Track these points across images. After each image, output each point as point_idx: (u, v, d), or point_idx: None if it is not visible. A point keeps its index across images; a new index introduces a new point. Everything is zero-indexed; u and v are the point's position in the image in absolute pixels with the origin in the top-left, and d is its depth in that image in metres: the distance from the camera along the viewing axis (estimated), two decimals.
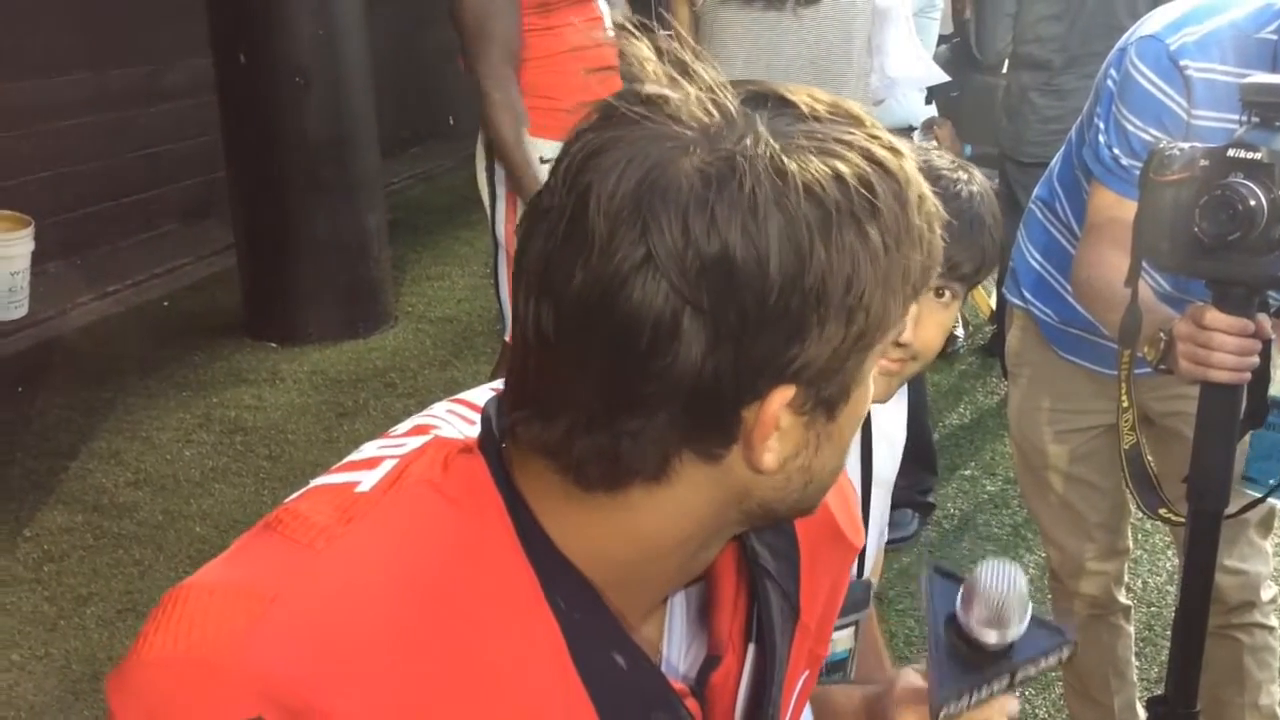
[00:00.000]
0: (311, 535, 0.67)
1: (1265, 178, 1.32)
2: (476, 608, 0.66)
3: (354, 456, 0.74)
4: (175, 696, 0.64)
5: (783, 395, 0.64)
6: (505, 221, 2.58)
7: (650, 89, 0.64)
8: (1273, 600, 2.07)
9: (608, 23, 2.64)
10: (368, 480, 0.70)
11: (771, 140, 0.62)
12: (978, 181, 1.32)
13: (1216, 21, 1.67)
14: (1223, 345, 1.39)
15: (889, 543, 3.10)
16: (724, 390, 0.63)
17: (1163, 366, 1.50)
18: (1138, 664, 2.37)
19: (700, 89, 0.64)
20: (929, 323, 1.28)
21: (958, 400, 4.13)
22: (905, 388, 1.50)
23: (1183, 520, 1.56)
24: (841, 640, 1.50)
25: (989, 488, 3.54)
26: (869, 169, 0.63)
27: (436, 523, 0.68)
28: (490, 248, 2.67)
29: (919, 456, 3.29)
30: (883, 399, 1.35)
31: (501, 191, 2.57)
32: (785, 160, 0.61)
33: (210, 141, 4.78)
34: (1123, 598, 2.19)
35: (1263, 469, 1.69)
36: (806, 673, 0.87)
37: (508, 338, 2.69)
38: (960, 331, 4.54)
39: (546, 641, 0.68)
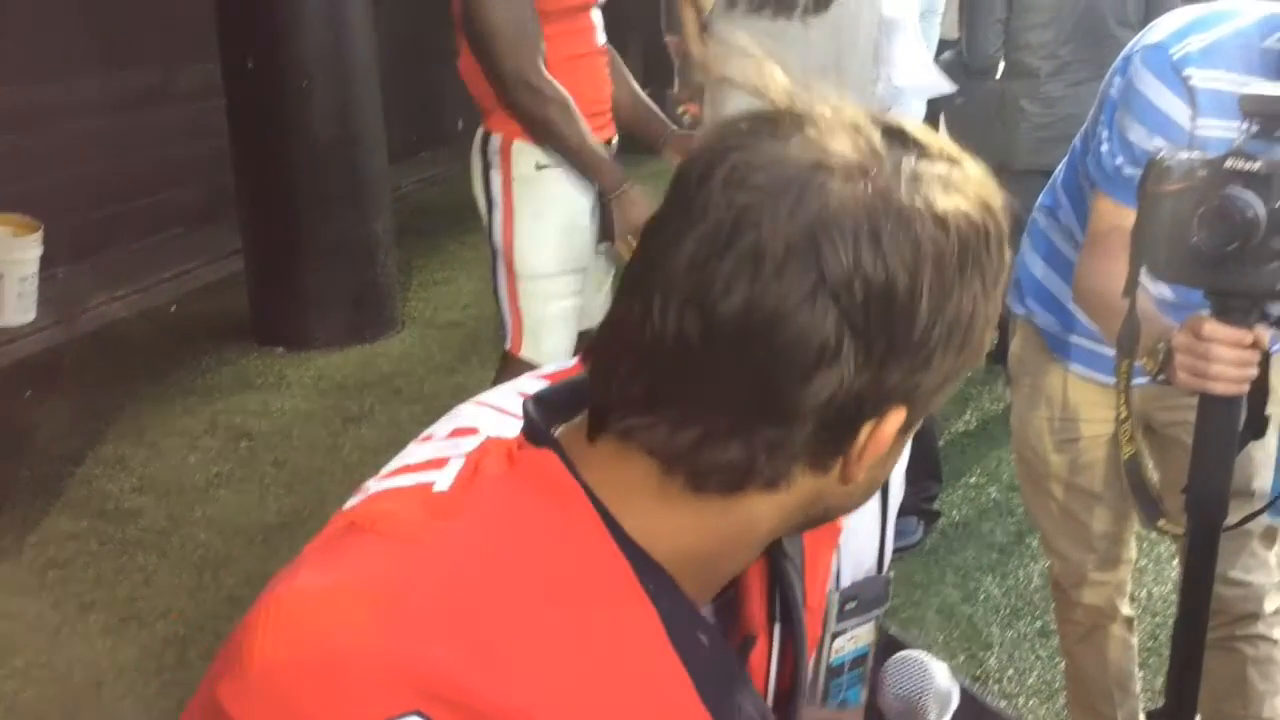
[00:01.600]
0: (413, 530, 0.67)
1: (1264, 188, 1.30)
2: (588, 590, 0.68)
3: (406, 460, 0.75)
4: (314, 701, 0.62)
5: (898, 416, 0.69)
6: (503, 228, 2.57)
7: (795, 103, 0.69)
8: (1277, 612, 2.04)
9: (600, 33, 2.63)
10: (442, 479, 0.70)
11: (909, 172, 0.66)
12: None
13: (1221, 30, 1.66)
14: (1221, 356, 1.38)
15: (894, 550, 3.11)
16: (860, 410, 0.67)
17: (1161, 377, 1.49)
18: (1142, 674, 2.35)
19: (833, 108, 0.69)
20: None
21: (963, 407, 4.12)
22: None
23: (1181, 533, 1.54)
24: (863, 636, 1.49)
25: (994, 495, 3.53)
26: (983, 210, 0.68)
27: (531, 513, 0.69)
28: (489, 255, 2.67)
29: (924, 463, 3.28)
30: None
31: (499, 198, 2.56)
32: (929, 195, 0.66)
33: (219, 146, 4.79)
34: (1126, 608, 2.18)
35: None
36: (810, 653, 0.91)
37: (508, 346, 2.69)
38: None
39: (646, 622, 0.69)
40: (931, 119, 4.74)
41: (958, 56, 4.13)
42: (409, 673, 0.62)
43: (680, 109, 4.42)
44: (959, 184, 0.67)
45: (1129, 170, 1.67)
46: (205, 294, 5.30)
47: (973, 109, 4.41)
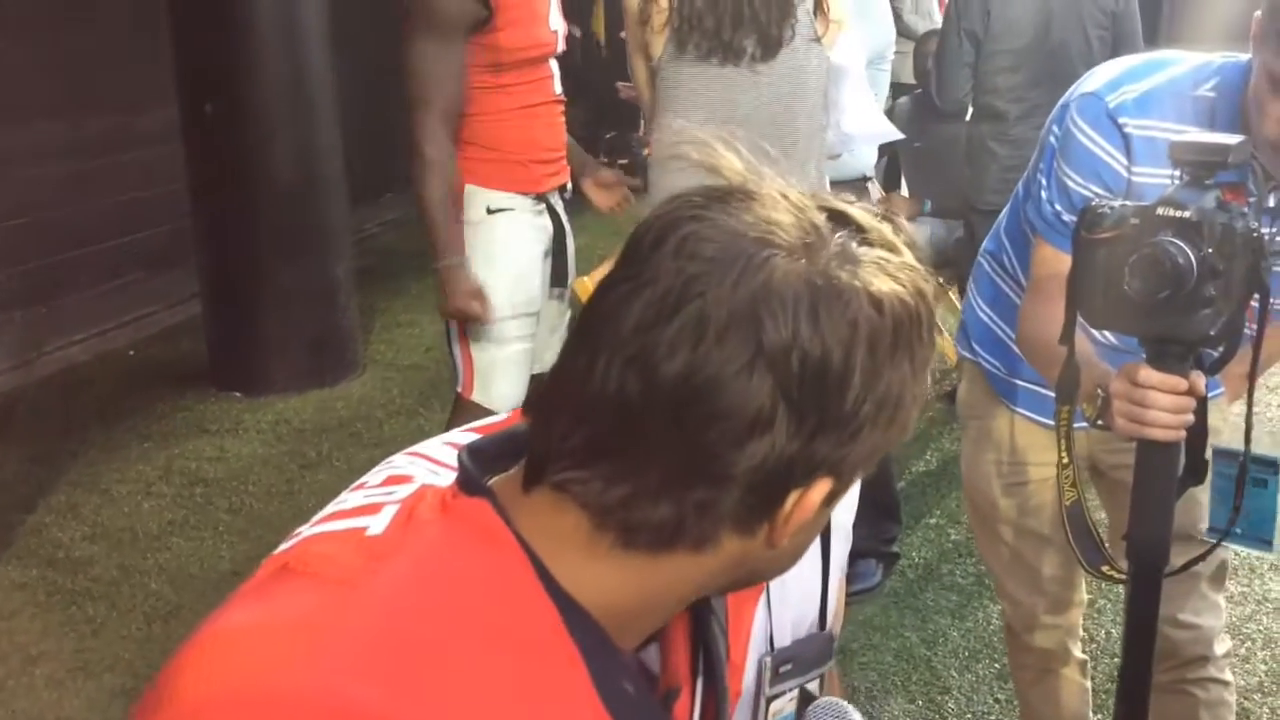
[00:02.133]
0: (347, 572, 0.68)
1: (1194, 236, 1.31)
2: (517, 637, 0.69)
3: (339, 507, 0.76)
4: None
5: (824, 486, 0.72)
6: None
7: (741, 180, 0.73)
8: (1227, 654, 2.05)
9: (556, 84, 2.65)
10: (375, 525, 0.72)
11: (848, 254, 0.70)
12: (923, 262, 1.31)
13: (1156, 79, 1.68)
14: (1157, 403, 1.39)
15: (853, 594, 3.11)
16: (788, 478, 0.70)
17: (1101, 423, 1.49)
18: (1099, 717, 2.35)
19: (783, 189, 0.72)
20: None
21: (924, 448, 4.13)
22: None
23: (1124, 578, 1.54)
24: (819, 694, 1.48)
25: (954, 536, 3.53)
26: (917, 296, 0.72)
27: (464, 558, 0.70)
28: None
29: (882, 505, 3.28)
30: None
31: None
32: (873, 284, 0.70)
33: (178, 190, 4.76)
34: (1078, 652, 2.17)
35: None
36: (731, 709, 0.90)
37: (460, 389, 2.67)
38: None
39: (574, 669, 0.70)
40: (891, 163, 4.81)
41: (922, 100, 4.19)
42: (338, 712, 0.62)
43: (645, 150, 4.44)
44: (895, 269, 0.71)
45: (1068, 217, 1.69)
46: (163, 338, 5.25)
47: (937, 150, 4.47)
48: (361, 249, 5.69)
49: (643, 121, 4.97)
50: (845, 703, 0.91)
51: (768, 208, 0.70)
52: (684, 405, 0.67)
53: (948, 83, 3.83)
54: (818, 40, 2.55)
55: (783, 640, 1.36)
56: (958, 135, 4.01)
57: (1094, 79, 1.71)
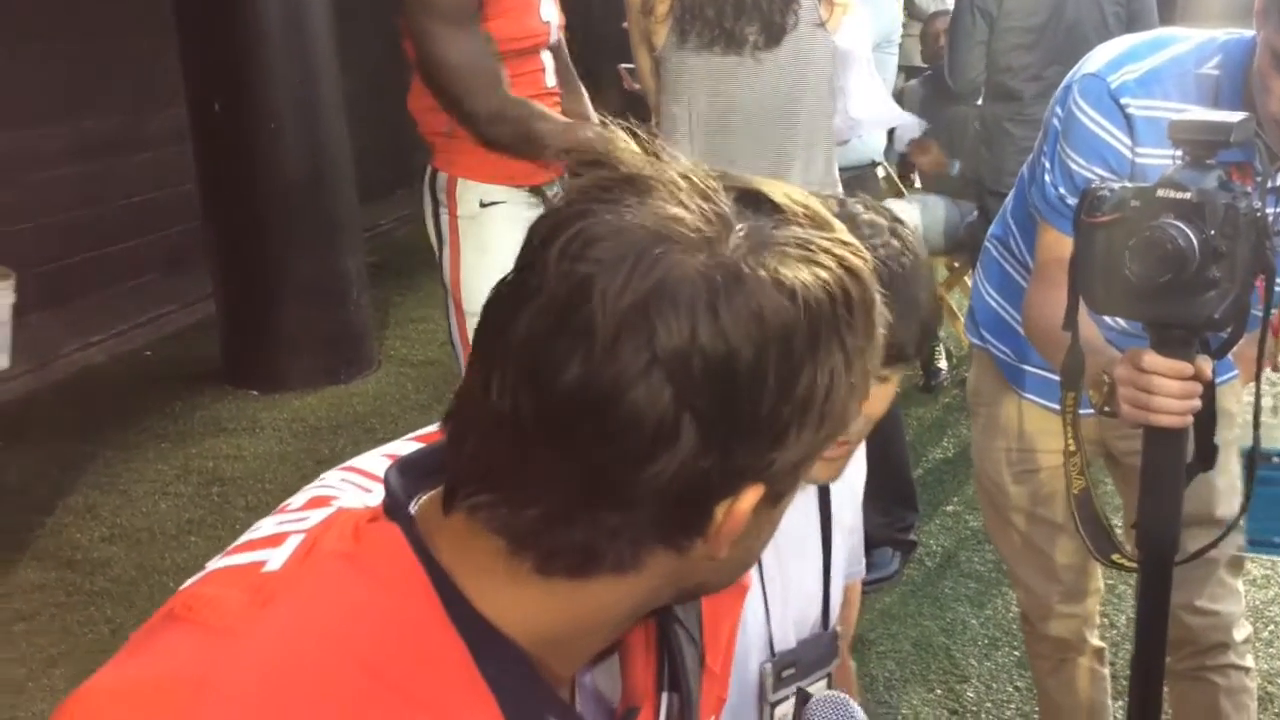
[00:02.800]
0: (228, 620, 0.65)
1: (1196, 218, 1.28)
2: (410, 681, 0.65)
3: (251, 535, 0.72)
4: None
5: (755, 494, 0.66)
6: (451, 266, 2.56)
7: (634, 169, 0.65)
8: (1247, 640, 2.02)
9: (549, 76, 2.62)
10: (275, 558, 0.68)
11: (769, 250, 0.63)
12: (909, 247, 1.24)
13: (1158, 58, 1.65)
14: (1163, 389, 1.36)
15: (870, 582, 3.09)
16: (708, 490, 0.64)
17: (1107, 410, 1.47)
18: (1119, 704, 2.32)
19: (684, 173, 0.65)
20: (874, 402, 1.22)
21: (940, 434, 4.09)
22: None
23: (1135, 567, 1.52)
24: (819, 691, 1.46)
25: (972, 523, 3.50)
26: (846, 277, 0.65)
27: (357, 597, 0.66)
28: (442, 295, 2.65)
29: (898, 493, 3.25)
30: (832, 480, 1.31)
31: (447, 235, 2.55)
32: (785, 273, 0.63)
33: (191, 190, 4.78)
34: (1095, 640, 2.15)
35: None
36: (714, 718, 0.88)
37: None
38: (943, 364, 4.51)
39: (482, 709, 0.66)
40: (920, 143, 4.75)
41: (933, 81, 4.14)
42: None
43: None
44: (819, 251, 0.64)
45: (1071, 200, 1.65)
46: (178, 339, 5.27)
47: (948, 133, 4.42)
48: (374, 245, 5.69)
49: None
50: (846, 696, 0.89)
51: (665, 198, 0.63)
52: (579, 422, 0.61)
53: (961, 63, 3.78)
54: (822, 25, 2.52)
55: (785, 643, 1.35)
56: (969, 117, 3.96)
57: (1095, 59, 1.68)
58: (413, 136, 2.66)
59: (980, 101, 3.93)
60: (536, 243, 0.64)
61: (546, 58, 2.59)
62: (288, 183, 4.45)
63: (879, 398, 1.23)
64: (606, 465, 0.62)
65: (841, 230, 0.68)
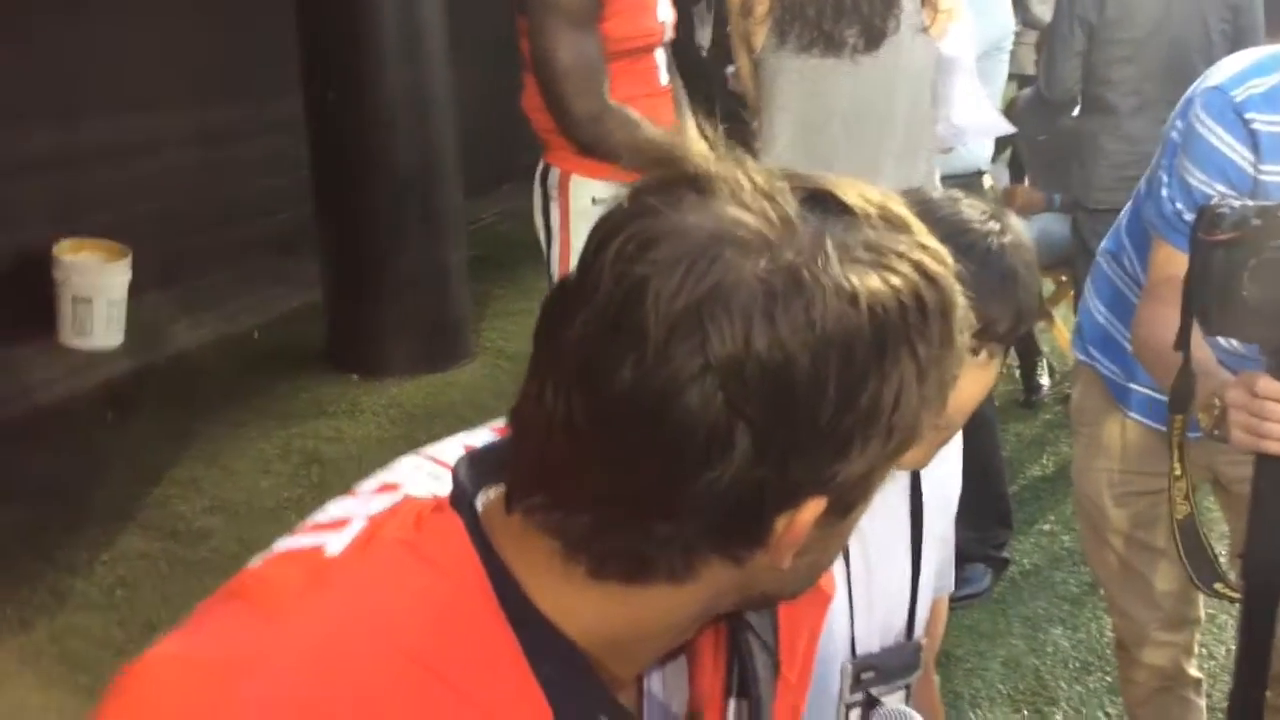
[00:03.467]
0: (280, 602, 0.65)
1: None
2: (458, 674, 0.64)
3: (319, 517, 0.72)
4: None
5: (816, 506, 0.63)
6: (560, 261, 2.58)
7: (700, 168, 0.63)
8: None
9: (662, 73, 2.63)
10: (336, 543, 0.68)
11: (834, 254, 0.60)
12: (1012, 231, 1.25)
13: None
14: (1276, 415, 1.31)
15: (959, 598, 3.04)
16: (764, 502, 0.62)
17: (1217, 434, 1.42)
18: None
19: (750, 174, 0.63)
20: (967, 385, 1.21)
21: (1040, 451, 4.01)
22: (960, 439, 1.44)
23: (1238, 597, 1.47)
24: (891, 704, 1.45)
25: (1067, 543, 3.42)
26: (921, 283, 0.62)
27: (412, 586, 0.66)
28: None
29: (993, 509, 3.19)
30: (921, 466, 1.29)
31: (557, 231, 2.57)
32: (848, 277, 0.60)
33: (304, 178, 4.90)
34: (1193, 670, 2.09)
35: None
36: None
37: None
38: (1045, 380, 4.41)
39: (531, 708, 0.66)
40: (1015, 156, 4.66)
41: (1037, 92, 4.06)
42: None
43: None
44: (891, 255, 0.62)
45: (1189, 216, 1.61)
46: (286, 321, 5.40)
47: (1061, 144, 4.32)
48: (477, 238, 5.76)
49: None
50: (912, 712, 0.87)
51: (727, 199, 0.61)
52: (631, 427, 0.60)
53: (1056, 73, 3.69)
54: (925, 31, 2.49)
55: (869, 647, 1.34)
56: (1068, 129, 3.87)
57: (1219, 72, 1.63)
58: (520, 132, 2.69)
59: (1075, 114, 3.84)
60: (594, 244, 0.62)
61: (660, 56, 2.60)
62: (396, 175, 4.53)
63: (976, 384, 1.22)
64: (657, 472, 0.60)
65: (921, 233, 0.65)
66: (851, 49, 2.45)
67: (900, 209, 0.65)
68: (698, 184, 0.62)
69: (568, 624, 0.67)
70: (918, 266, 0.62)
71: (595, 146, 2.44)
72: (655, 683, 0.76)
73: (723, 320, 0.58)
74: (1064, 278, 4.61)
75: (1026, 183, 4.76)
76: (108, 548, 3.41)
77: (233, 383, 4.65)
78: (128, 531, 3.51)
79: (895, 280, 0.61)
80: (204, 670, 0.62)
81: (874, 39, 2.45)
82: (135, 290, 4.96)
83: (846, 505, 0.66)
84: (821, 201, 0.63)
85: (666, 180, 0.63)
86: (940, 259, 0.64)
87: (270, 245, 5.90)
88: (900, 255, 0.62)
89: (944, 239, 1.16)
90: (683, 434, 0.59)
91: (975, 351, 1.21)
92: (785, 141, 2.52)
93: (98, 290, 4.77)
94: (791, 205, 0.62)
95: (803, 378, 0.59)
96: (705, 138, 0.65)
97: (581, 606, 0.67)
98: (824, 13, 2.44)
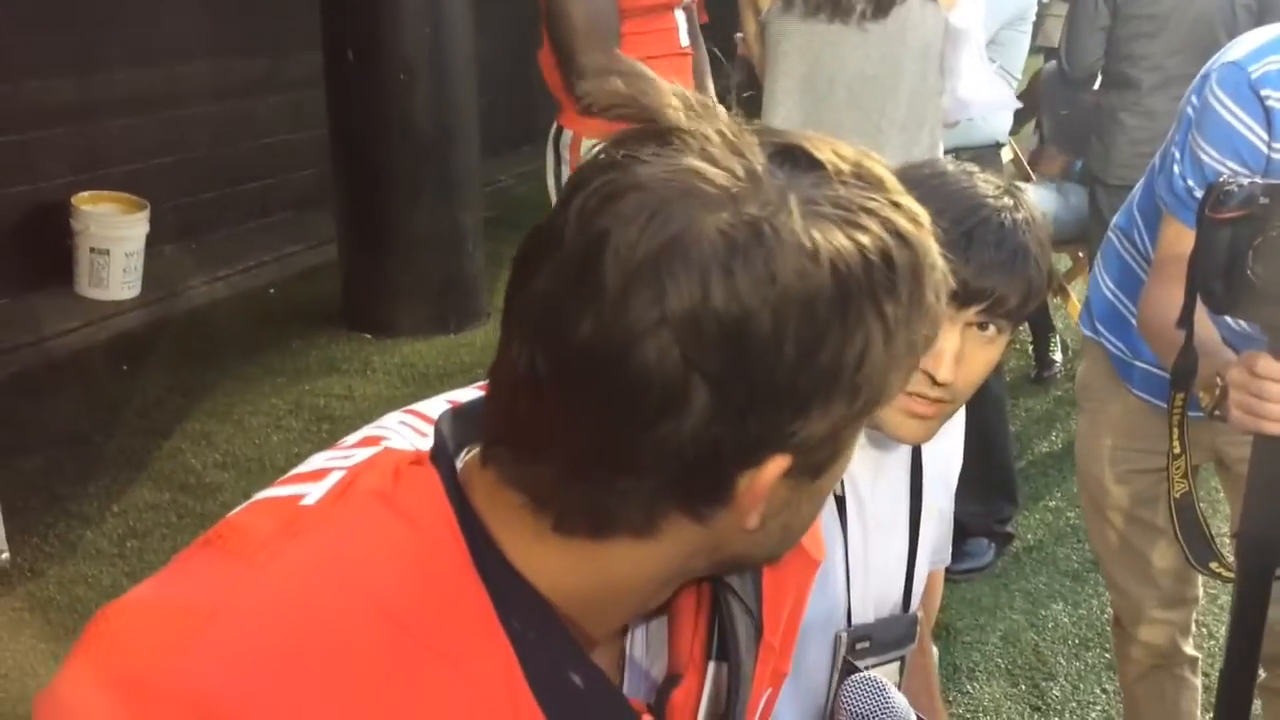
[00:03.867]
0: (252, 549, 0.66)
1: None
2: (425, 626, 0.65)
3: (301, 468, 0.73)
4: (103, 717, 0.62)
5: (779, 465, 0.63)
6: None
7: (669, 121, 0.62)
8: None
9: (682, 35, 2.61)
10: (314, 493, 0.68)
11: (798, 209, 0.60)
12: (1025, 207, 1.24)
13: None
14: (1276, 395, 1.31)
15: (961, 571, 3.05)
16: (723, 458, 0.62)
17: (1217, 413, 1.42)
18: (1208, 717, 2.25)
19: (722, 128, 0.62)
20: (973, 360, 1.20)
21: (1049, 427, 4.00)
22: (963, 414, 1.44)
23: (1233, 576, 1.47)
24: (884, 676, 1.46)
25: (1072, 520, 3.42)
26: (890, 241, 0.61)
27: (384, 537, 0.66)
28: None
29: (998, 484, 3.19)
30: (923, 440, 1.29)
31: None
32: (812, 233, 0.59)
33: (323, 134, 4.90)
34: (1189, 649, 2.09)
35: None
36: (769, 690, 0.86)
37: None
38: (1058, 356, 4.39)
39: (499, 661, 0.66)
40: (1041, 151, 4.60)
41: (1060, 66, 4.02)
42: (195, 698, 0.60)
43: None
44: (860, 212, 0.61)
45: (1199, 193, 1.59)
46: (302, 278, 5.42)
47: (1084, 117, 4.28)
48: (492, 199, 5.75)
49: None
50: (884, 680, 0.87)
51: (695, 152, 0.60)
52: (590, 379, 0.60)
53: (1079, 48, 3.66)
54: (934, 1, 2.46)
55: (863, 617, 1.34)
56: (1089, 103, 3.83)
57: (1238, 48, 1.61)
58: (540, 95, 2.68)
59: (1096, 88, 3.81)
60: (563, 198, 0.62)
61: (680, 16, 2.59)
62: (414, 135, 4.52)
63: (982, 359, 1.21)
64: (615, 425, 0.60)
65: (897, 191, 0.64)
66: (860, 15, 2.43)
67: (876, 167, 0.64)
68: (665, 137, 0.62)
69: (539, 580, 0.67)
70: (887, 224, 0.61)
71: (600, 103, 2.43)
72: (638, 647, 0.77)
73: (680, 273, 0.58)
74: (1081, 253, 4.58)
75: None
76: (119, 498, 3.44)
77: (247, 338, 4.68)
78: (139, 483, 3.55)
79: (863, 238, 0.60)
80: (174, 614, 0.63)
81: (883, 6, 2.43)
82: (152, 243, 4.98)
83: (814, 466, 0.65)
84: (791, 157, 0.63)
85: (638, 135, 0.62)
86: (914, 218, 0.63)
87: (288, 201, 5.92)
88: (870, 212, 0.61)
89: (958, 214, 1.16)
90: (639, 386, 0.59)
91: (983, 327, 1.21)
92: (788, 107, 2.50)
93: (115, 242, 4.79)
94: (759, 159, 0.61)
95: (760, 333, 0.59)
96: (724, 104, 0.65)
97: (551, 562, 0.67)
98: None
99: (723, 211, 0.59)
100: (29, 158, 4.73)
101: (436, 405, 0.77)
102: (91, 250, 4.77)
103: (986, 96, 2.60)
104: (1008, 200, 1.21)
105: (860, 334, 0.60)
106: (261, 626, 0.62)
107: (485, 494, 0.68)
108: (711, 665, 0.77)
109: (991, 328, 1.21)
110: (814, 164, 0.63)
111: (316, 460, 0.72)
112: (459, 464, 0.70)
